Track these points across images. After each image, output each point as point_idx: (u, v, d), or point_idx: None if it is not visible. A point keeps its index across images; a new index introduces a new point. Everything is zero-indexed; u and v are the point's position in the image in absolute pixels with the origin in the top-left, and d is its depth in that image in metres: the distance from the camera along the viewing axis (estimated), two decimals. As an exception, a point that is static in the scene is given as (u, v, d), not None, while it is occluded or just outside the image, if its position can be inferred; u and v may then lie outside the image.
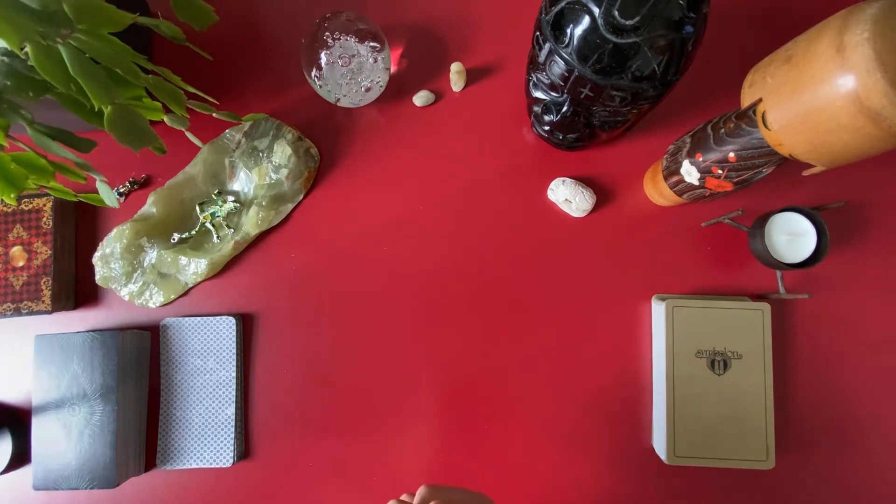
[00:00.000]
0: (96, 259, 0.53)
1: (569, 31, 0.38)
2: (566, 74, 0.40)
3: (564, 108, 0.45)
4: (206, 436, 0.51)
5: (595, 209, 0.53)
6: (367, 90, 0.51)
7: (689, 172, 0.43)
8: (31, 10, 0.30)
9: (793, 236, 0.47)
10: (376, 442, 0.52)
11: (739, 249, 0.52)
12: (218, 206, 0.54)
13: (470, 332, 0.53)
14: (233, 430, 0.51)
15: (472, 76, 0.56)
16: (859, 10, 0.27)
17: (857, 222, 0.52)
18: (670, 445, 0.47)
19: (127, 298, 0.53)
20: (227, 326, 0.52)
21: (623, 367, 0.52)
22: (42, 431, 0.49)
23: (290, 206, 0.54)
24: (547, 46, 0.40)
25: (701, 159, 0.41)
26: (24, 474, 0.53)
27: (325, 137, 0.56)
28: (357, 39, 0.49)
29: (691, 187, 0.44)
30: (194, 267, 0.53)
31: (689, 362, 0.48)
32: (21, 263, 0.52)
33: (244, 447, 0.52)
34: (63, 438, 0.48)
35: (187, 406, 0.52)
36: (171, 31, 0.38)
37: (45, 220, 0.53)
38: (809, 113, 0.29)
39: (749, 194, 0.52)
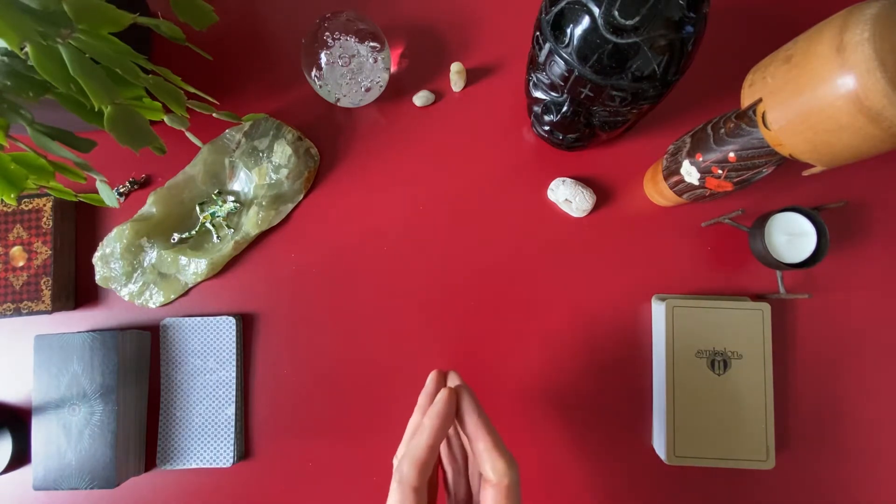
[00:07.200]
0: (96, 259, 0.53)
1: (569, 31, 0.38)
2: (566, 74, 0.41)
3: (564, 108, 0.45)
4: (206, 436, 0.51)
5: (595, 209, 0.53)
6: (367, 90, 0.51)
7: (689, 172, 0.43)
8: (31, 10, 0.30)
9: (793, 236, 0.47)
10: (377, 442, 0.52)
11: (739, 249, 0.52)
12: (218, 206, 0.54)
13: (469, 332, 0.53)
14: (233, 430, 0.51)
15: (472, 76, 0.56)
16: (859, 10, 0.27)
17: (857, 222, 0.52)
18: (670, 445, 0.47)
19: (127, 298, 0.53)
20: (227, 326, 0.52)
21: (623, 367, 0.52)
22: (42, 431, 0.49)
23: (290, 206, 0.54)
24: (547, 46, 0.40)
25: (701, 159, 0.41)
26: (24, 474, 0.53)
27: (325, 137, 0.56)
28: (357, 39, 0.49)
29: (691, 187, 0.44)
30: (194, 267, 0.53)
31: (689, 362, 0.48)
32: (21, 263, 0.52)
33: (244, 447, 0.52)
34: (63, 438, 0.48)
35: (187, 406, 0.52)
36: (171, 31, 0.38)
37: (45, 220, 0.53)
38: (809, 113, 0.29)
39: (749, 194, 0.52)
